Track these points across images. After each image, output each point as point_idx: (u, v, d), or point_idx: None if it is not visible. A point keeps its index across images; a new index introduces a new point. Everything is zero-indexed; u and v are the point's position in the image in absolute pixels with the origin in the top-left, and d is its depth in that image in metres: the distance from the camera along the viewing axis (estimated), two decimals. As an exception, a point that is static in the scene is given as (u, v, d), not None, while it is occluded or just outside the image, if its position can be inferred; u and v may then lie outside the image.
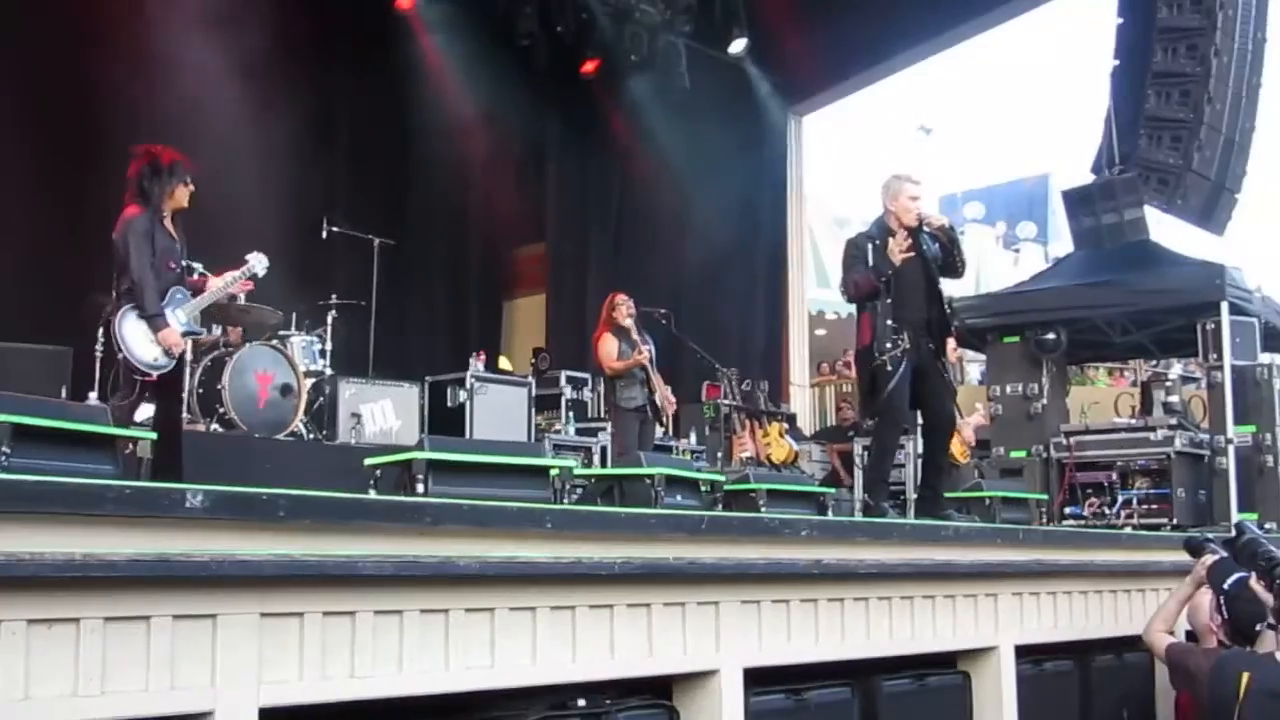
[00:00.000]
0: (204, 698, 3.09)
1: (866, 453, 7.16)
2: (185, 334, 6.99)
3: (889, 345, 6.77)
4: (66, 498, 2.95)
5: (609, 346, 10.02)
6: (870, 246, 6.90)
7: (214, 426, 8.62)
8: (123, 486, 3.13)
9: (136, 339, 6.73)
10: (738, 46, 15.66)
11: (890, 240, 6.84)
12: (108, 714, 2.94)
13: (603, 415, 11.32)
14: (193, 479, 3.17)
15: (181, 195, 6.93)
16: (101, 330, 7.15)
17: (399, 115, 14.22)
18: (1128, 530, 9.09)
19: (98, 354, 8.60)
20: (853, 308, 7.30)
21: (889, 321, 6.80)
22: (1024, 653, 5.94)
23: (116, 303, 6.83)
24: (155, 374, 6.78)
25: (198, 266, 7.57)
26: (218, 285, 7.24)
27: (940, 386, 7.10)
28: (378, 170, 14.09)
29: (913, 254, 6.88)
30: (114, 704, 2.94)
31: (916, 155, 25.93)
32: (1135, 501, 9.70)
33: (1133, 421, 10.51)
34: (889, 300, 6.82)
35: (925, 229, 6.99)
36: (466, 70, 14.17)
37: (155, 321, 6.76)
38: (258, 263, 7.29)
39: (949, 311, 7.25)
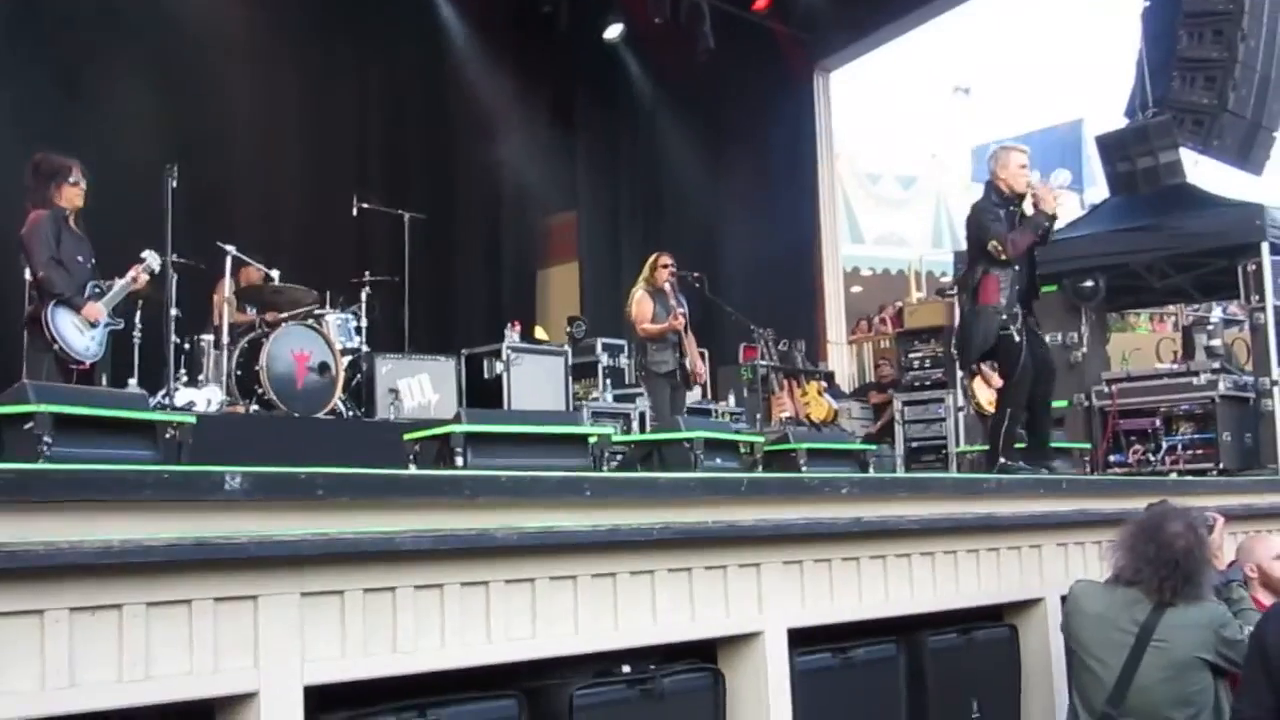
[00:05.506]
0: (248, 678, 3.11)
1: (1000, 413, 7.17)
2: (106, 326, 7.43)
3: (1014, 314, 6.97)
4: (106, 484, 2.97)
5: (644, 308, 9.77)
6: (1003, 212, 7.10)
7: (253, 408, 8.67)
8: (161, 471, 3.15)
9: (69, 330, 7.20)
10: (761, 3, 15.52)
11: (1019, 203, 7.07)
12: (153, 698, 2.97)
13: (638, 381, 11.26)
14: (233, 461, 3.18)
15: (71, 195, 7.37)
16: (26, 330, 7.37)
17: (424, 89, 14.22)
18: (1173, 476, 9.01)
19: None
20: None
21: (1017, 286, 7.04)
22: (1071, 603, 5.89)
23: (41, 302, 7.17)
24: (88, 362, 7.27)
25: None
26: (123, 282, 7.62)
27: (1041, 344, 7.33)
28: (406, 145, 14.08)
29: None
30: (159, 688, 2.96)
31: (953, 112, 25.59)
32: (1180, 447, 9.59)
33: (1175, 367, 10.41)
34: (1017, 268, 7.04)
35: (1032, 196, 7.11)
36: (490, 40, 14.16)
37: (74, 301, 7.22)
38: (152, 259, 7.74)
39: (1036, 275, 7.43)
